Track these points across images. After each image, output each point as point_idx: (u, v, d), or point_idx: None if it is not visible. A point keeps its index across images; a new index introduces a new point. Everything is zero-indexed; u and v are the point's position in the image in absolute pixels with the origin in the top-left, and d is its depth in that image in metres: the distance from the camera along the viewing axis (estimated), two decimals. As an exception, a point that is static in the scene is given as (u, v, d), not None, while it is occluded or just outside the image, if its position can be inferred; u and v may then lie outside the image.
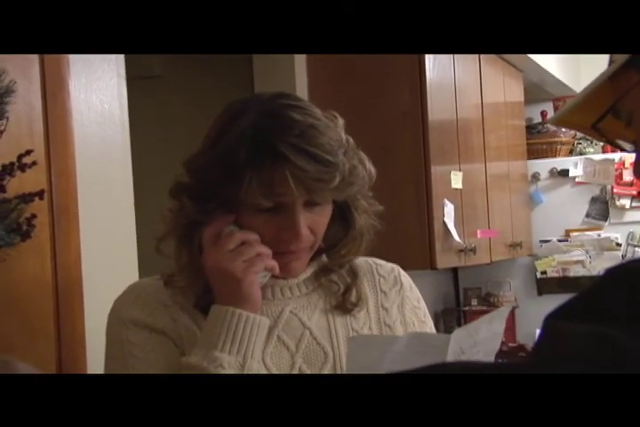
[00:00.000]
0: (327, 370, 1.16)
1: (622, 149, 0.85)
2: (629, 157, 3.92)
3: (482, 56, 3.35)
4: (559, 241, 4.08)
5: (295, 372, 1.15)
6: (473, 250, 3.02)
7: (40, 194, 1.31)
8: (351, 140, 1.16)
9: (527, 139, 4.10)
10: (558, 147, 4.17)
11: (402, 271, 1.30)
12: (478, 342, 1.06)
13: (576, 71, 4.43)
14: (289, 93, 1.18)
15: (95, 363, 1.50)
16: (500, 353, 3.25)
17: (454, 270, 4.17)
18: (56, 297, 1.47)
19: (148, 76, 2.92)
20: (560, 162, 4.12)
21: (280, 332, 1.16)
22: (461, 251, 2.95)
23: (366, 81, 2.74)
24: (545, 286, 4.06)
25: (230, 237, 1.10)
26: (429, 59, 2.75)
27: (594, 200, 4.07)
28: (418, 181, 2.71)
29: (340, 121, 1.15)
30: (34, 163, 1.31)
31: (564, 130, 4.09)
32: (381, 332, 1.22)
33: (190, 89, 3.01)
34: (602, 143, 3.96)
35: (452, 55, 3.00)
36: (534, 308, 3.98)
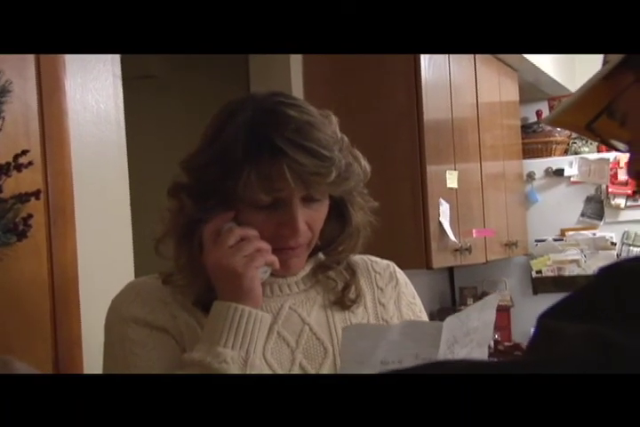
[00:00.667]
0: (327, 365, 1.17)
1: (616, 149, 0.86)
2: (624, 157, 3.91)
3: (477, 56, 3.36)
4: (554, 240, 4.09)
5: (296, 367, 1.16)
6: (468, 249, 3.03)
7: (36, 194, 1.31)
8: (345, 138, 1.17)
9: (522, 138, 4.11)
10: (553, 146, 4.18)
11: (397, 268, 1.32)
12: (470, 330, 1.07)
13: (571, 71, 4.44)
14: (283, 92, 1.19)
15: (92, 362, 1.50)
16: (496, 352, 3.26)
17: (450, 270, 4.18)
18: (52, 297, 1.47)
19: (144, 75, 2.92)
20: (555, 161, 4.13)
21: (280, 328, 1.17)
22: (457, 250, 2.96)
23: (362, 81, 2.75)
24: (540, 285, 4.07)
25: (230, 233, 1.11)
26: (425, 58, 2.76)
27: (589, 199, 4.08)
28: (413, 180, 2.71)
29: (334, 119, 1.17)
30: (30, 163, 1.31)
31: (559, 129, 4.10)
32: None
33: (186, 89, 3.02)
34: (597, 143, 3.97)
35: (447, 55, 3.01)
36: (530, 307, 3.99)
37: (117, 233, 1.70)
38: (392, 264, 1.32)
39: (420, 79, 2.72)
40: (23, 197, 1.29)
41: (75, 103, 1.58)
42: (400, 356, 1.02)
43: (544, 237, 4.09)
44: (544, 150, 4.17)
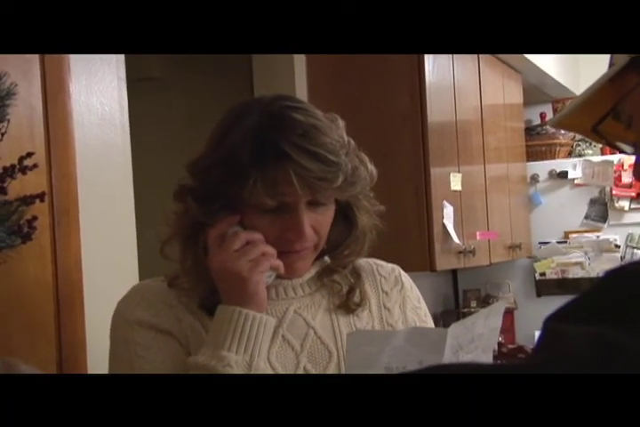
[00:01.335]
0: (332, 369, 1.17)
1: (622, 152, 0.86)
2: (628, 159, 3.93)
3: (481, 58, 3.36)
4: (558, 243, 4.08)
5: (300, 371, 1.16)
6: (472, 252, 3.03)
7: (41, 196, 1.31)
8: (352, 141, 1.17)
9: (526, 141, 4.11)
10: (557, 149, 4.17)
11: (402, 272, 1.32)
12: (476, 337, 1.07)
13: (575, 73, 4.44)
14: (290, 96, 1.20)
15: (95, 364, 1.50)
16: (500, 355, 3.25)
17: (453, 272, 4.18)
18: (56, 299, 1.47)
19: (146, 78, 2.92)
20: (559, 164, 4.13)
21: (285, 331, 1.17)
22: (461, 253, 2.96)
23: (366, 83, 2.75)
24: (544, 287, 4.07)
25: (235, 237, 1.11)
26: (429, 61, 2.76)
27: (593, 202, 4.08)
28: (417, 182, 2.71)
29: (341, 122, 1.17)
30: (35, 165, 1.31)
31: (562, 132, 4.10)
32: None
33: (189, 91, 3.02)
34: (601, 145, 3.97)
35: (451, 57, 3.01)
36: (533, 309, 3.98)
37: (122, 235, 1.71)
38: (397, 268, 1.32)
39: (424, 81, 2.72)
40: (28, 200, 1.29)
41: (79, 106, 1.59)
42: (404, 362, 1.02)
43: (548, 240, 4.09)
44: (548, 153, 4.17)
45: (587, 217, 4.08)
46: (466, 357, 1.06)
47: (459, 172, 3.01)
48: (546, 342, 0.61)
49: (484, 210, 3.33)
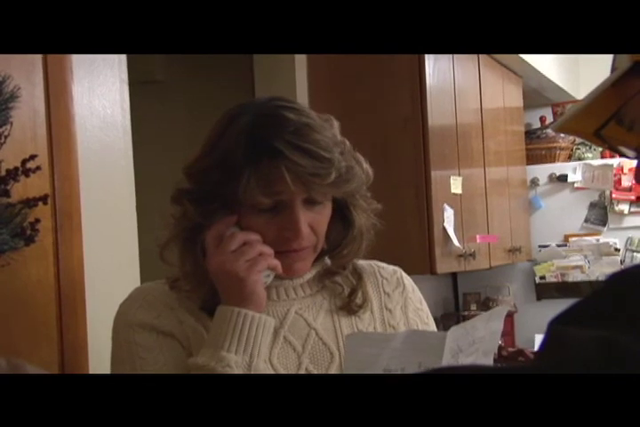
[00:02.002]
0: (333, 370, 1.18)
1: (625, 156, 0.86)
2: (628, 163, 3.93)
3: (481, 61, 3.37)
4: (558, 246, 4.09)
5: (302, 372, 1.17)
6: (472, 255, 3.03)
7: (44, 199, 1.32)
8: (347, 142, 1.18)
9: (526, 144, 4.12)
10: (557, 152, 4.18)
11: (404, 273, 1.32)
12: (476, 340, 1.07)
13: (575, 77, 4.45)
14: (284, 97, 1.20)
15: (97, 366, 1.51)
16: (500, 358, 3.24)
17: (453, 275, 4.18)
18: (59, 301, 1.47)
19: (149, 80, 2.92)
20: (559, 167, 4.13)
21: (286, 332, 1.18)
22: (461, 256, 2.96)
23: (367, 86, 2.76)
24: (544, 290, 4.07)
25: (232, 238, 1.11)
26: (429, 64, 2.77)
27: (592, 205, 4.09)
28: (418, 185, 2.72)
29: (335, 123, 1.17)
30: (38, 167, 1.32)
31: (562, 135, 4.10)
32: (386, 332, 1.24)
33: (191, 94, 3.02)
34: (600, 149, 3.98)
35: (451, 61, 3.02)
36: (533, 313, 3.99)
37: (123, 237, 1.71)
38: (399, 270, 1.32)
39: (425, 85, 2.73)
40: (31, 202, 1.30)
41: (82, 108, 1.59)
42: (403, 364, 1.02)
43: (548, 243, 4.09)
44: (548, 156, 4.18)
45: (586, 220, 4.09)
46: (466, 359, 1.06)
47: (459, 175, 3.02)
48: (550, 344, 0.61)
49: (484, 213, 3.34)
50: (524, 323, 4.00)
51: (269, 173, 1.08)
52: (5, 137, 1.28)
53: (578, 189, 4.09)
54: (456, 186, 2.97)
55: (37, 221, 1.31)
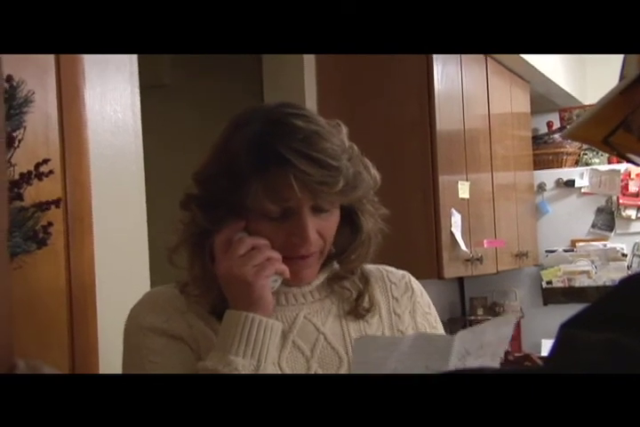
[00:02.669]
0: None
1: (633, 163, 0.87)
2: (635, 168, 3.93)
3: (489, 67, 3.37)
4: (565, 251, 4.09)
5: None
6: (480, 259, 3.04)
7: (56, 202, 1.33)
8: (355, 147, 1.18)
9: (533, 149, 4.12)
10: (564, 157, 4.18)
11: (412, 278, 1.32)
12: (485, 344, 1.08)
13: (582, 82, 4.45)
14: (292, 103, 1.20)
15: (108, 369, 1.51)
16: (506, 362, 3.25)
17: (460, 280, 4.18)
18: (70, 304, 1.48)
19: (157, 85, 2.93)
20: (566, 172, 4.13)
21: (295, 337, 1.18)
22: (468, 260, 2.96)
23: (375, 91, 2.77)
24: (550, 295, 4.07)
25: (240, 242, 1.12)
26: (437, 70, 2.78)
27: (599, 211, 4.08)
28: (426, 190, 2.72)
29: (344, 129, 1.18)
30: (50, 171, 1.33)
31: (569, 140, 4.10)
32: None
33: (198, 97, 3.03)
34: (607, 154, 3.98)
35: (459, 66, 3.02)
36: (540, 317, 3.99)
37: (133, 241, 1.72)
38: (407, 274, 1.32)
39: (433, 90, 2.74)
40: (44, 206, 1.31)
41: (93, 113, 1.60)
42: (410, 367, 1.03)
43: (554, 248, 4.09)
44: (555, 161, 4.18)
45: (593, 226, 4.09)
46: (473, 362, 1.07)
47: (467, 180, 3.03)
48: (561, 347, 0.62)
49: (491, 218, 3.34)
50: (531, 328, 4.00)
51: (277, 182, 1.09)
52: (19, 141, 1.29)
53: (585, 194, 4.09)
54: (463, 191, 2.97)
55: (50, 224, 1.32)
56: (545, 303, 4.09)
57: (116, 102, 1.68)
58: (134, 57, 1.75)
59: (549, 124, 4.38)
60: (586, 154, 4.23)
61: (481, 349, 1.08)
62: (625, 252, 4.01)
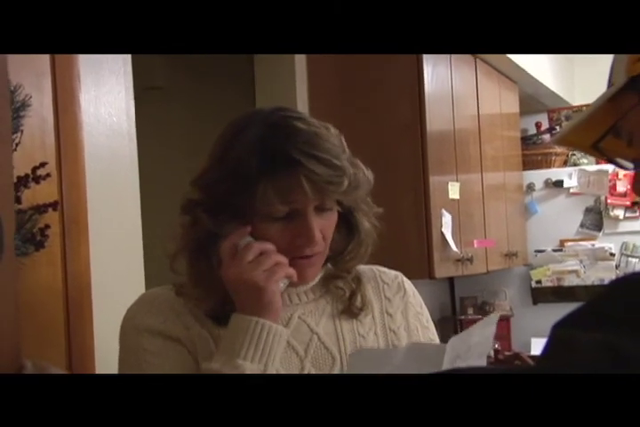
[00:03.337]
0: (335, 373, 1.19)
1: (622, 167, 0.89)
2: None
3: (478, 68, 3.40)
4: (554, 251, 4.11)
5: None
6: (470, 259, 3.06)
7: (54, 205, 1.35)
8: (347, 148, 1.20)
9: (522, 150, 4.14)
10: (553, 158, 4.21)
11: (404, 278, 1.34)
12: (472, 346, 1.10)
13: (570, 83, 4.48)
14: (287, 107, 1.22)
15: (104, 369, 1.53)
16: (496, 361, 3.24)
17: (450, 280, 4.20)
18: (66, 305, 1.49)
19: (150, 87, 2.94)
20: (555, 173, 4.16)
21: (289, 337, 1.19)
22: (459, 260, 2.98)
23: (366, 93, 2.78)
24: (540, 295, 4.10)
25: (249, 248, 1.13)
26: (428, 71, 2.80)
27: (588, 210, 4.11)
28: (416, 191, 2.74)
29: (334, 131, 1.19)
30: (48, 175, 1.34)
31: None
32: (386, 337, 1.26)
33: (192, 99, 3.04)
34: (596, 154, 3.99)
35: (449, 68, 3.05)
36: (529, 317, 4.02)
37: (128, 242, 1.73)
38: (400, 275, 1.34)
39: (424, 91, 2.76)
40: (41, 208, 1.32)
41: (89, 116, 1.61)
42: None
43: (544, 248, 4.12)
44: (544, 162, 4.20)
45: (582, 225, 4.11)
46: (462, 363, 1.09)
47: (457, 180, 3.04)
48: (555, 347, 0.62)
49: (481, 218, 3.36)
50: (521, 327, 4.03)
51: (287, 182, 1.10)
52: (17, 145, 1.30)
53: (573, 194, 4.12)
54: (454, 191, 2.99)
55: (47, 226, 1.33)
56: (534, 303, 4.11)
57: (111, 105, 1.69)
58: (128, 60, 1.76)
59: (538, 125, 4.40)
60: (574, 154, 4.26)
61: (469, 351, 1.10)
62: (613, 251, 4.04)
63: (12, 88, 1.30)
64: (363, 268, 1.30)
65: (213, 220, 1.16)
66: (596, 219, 4.10)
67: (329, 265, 1.27)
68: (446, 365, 1.04)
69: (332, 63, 2.77)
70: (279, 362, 1.15)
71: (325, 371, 1.19)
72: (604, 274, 3.96)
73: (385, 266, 1.35)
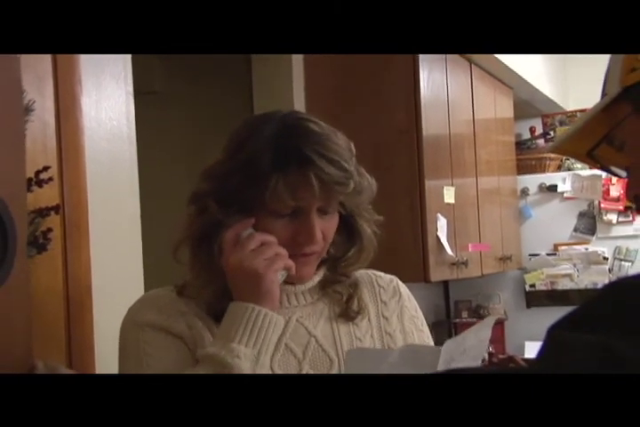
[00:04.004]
0: None
1: (616, 175, 0.91)
2: (616, 173, 3.98)
3: (473, 73, 3.42)
4: (548, 255, 4.13)
5: None
6: (465, 263, 3.07)
7: (56, 208, 1.36)
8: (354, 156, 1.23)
9: (516, 154, 4.16)
10: (547, 162, 4.23)
11: (400, 282, 1.36)
12: (467, 349, 1.12)
13: (564, 88, 4.51)
14: (300, 111, 1.25)
15: (104, 369, 1.54)
16: (490, 364, 3.25)
17: (445, 283, 4.21)
18: (67, 307, 1.50)
19: (147, 91, 2.95)
20: (549, 177, 4.18)
21: (287, 340, 1.21)
22: (454, 264, 3.00)
23: (363, 99, 2.80)
24: (534, 298, 4.11)
25: (251, 238, 1.16)
26: (424, 76, 2.82)
27: (581, 215, 4.13)
28: (412, 195, 2.76)
29: (344, 137, 1.23)
30: (50, 178, 1.36)
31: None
32: (382, 340, 1.28)
33: (190, 104, 3.05)
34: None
35: (445, 73, 3.07)
36: (523, 320, 4.03)
37: (128, 245, 1.75)
38: (395, 279, 1.37)
39: (420, 97, 2.78)
40: (44, 212, 1.34)
41: (90, 121, 1.63)
42: None
43: (538, 252, 4.14)
44: (538, 166, 4.22)
45: (576, 230, 4.14)
46: (457, 365, 1.11)
47: (452, 185, 3.06)
48: (550, 349, 0.64)
49: (475, 222, 3.38)
50: (515, 330, 4.05)
51: (298, 179, 1.14)
52: (20, 149, 1.32)
53: (567, 198, 4.14)
54: (449, 195, 3.01)
55: (50, 230, 1.35)
56: (528, 306, 4.12)
57: (112, 110, 1.71)
58: (128, 64, 1.77)
59: (532, 130, 4.42)
60: (568, 159, 4.27)
61: (464, 353, 1.12)
62: (606, 255, 4.06)
63: (16, 93, 1.31)
64: (359, 272, 1.32)
65: (223, 209, 1.18)
66: (589, 223, 4.12)
67: (326, 269, 1.28)
68: (441, 367, 1.06)
69: (328, 68, 2.79)
70: (271, 359, 1.16)
71: (323, 373, 1.21)
72: (597, 278, 3.98)
73: (381, 269, 1.37)
